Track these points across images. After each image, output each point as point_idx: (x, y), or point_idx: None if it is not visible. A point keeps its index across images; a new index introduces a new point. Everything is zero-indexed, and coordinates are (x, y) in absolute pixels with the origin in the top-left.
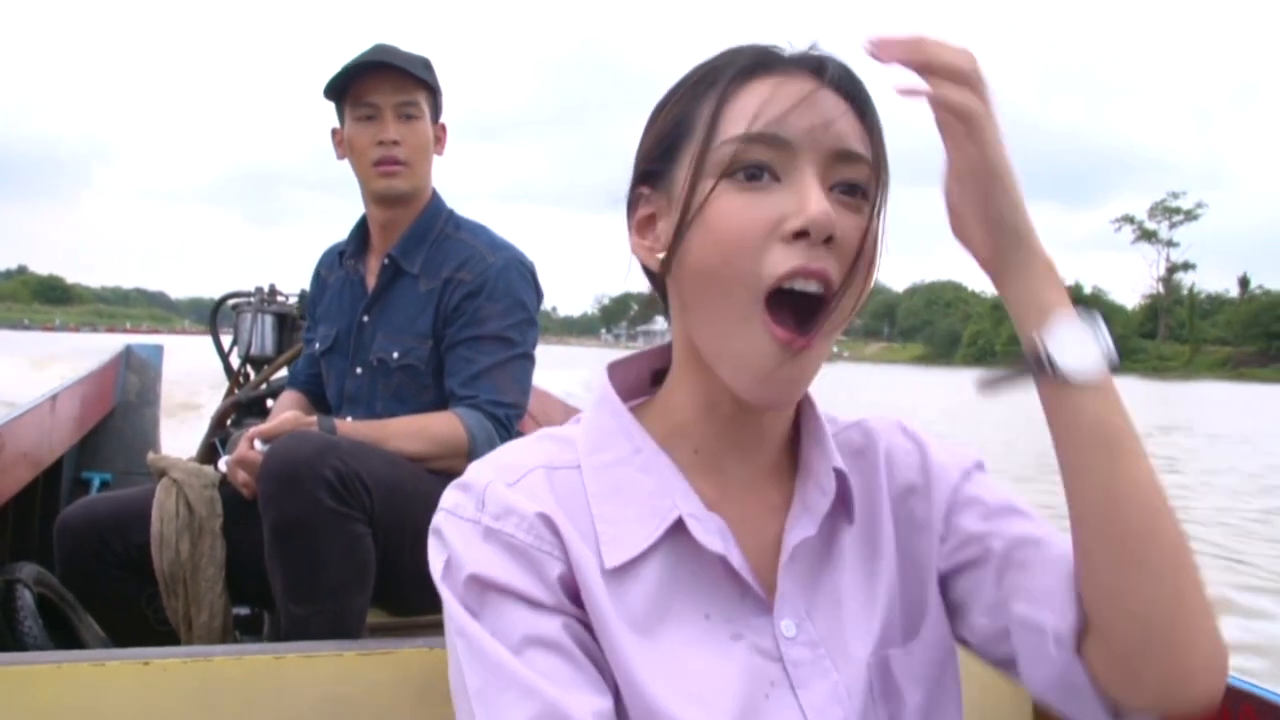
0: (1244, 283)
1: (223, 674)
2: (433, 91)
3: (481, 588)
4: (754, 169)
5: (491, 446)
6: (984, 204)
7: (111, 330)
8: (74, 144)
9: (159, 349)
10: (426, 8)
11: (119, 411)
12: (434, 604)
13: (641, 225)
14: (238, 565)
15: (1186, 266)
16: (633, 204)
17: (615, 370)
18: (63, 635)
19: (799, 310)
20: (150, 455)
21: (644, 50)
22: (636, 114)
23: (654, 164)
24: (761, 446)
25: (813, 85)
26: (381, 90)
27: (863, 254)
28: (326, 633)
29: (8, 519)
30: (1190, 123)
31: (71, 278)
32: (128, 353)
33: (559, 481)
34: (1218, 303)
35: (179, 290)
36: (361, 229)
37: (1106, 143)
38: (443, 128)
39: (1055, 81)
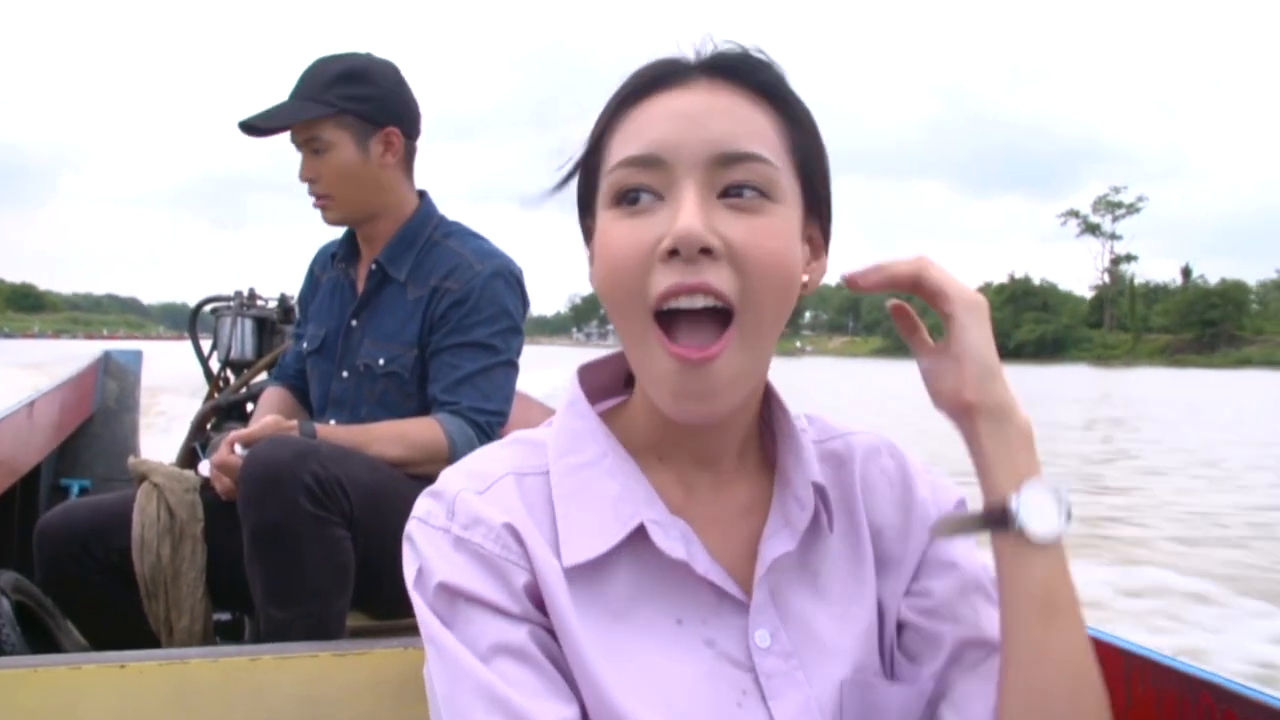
0: (1186, 273)
1: (199, 676)
2: (356, 105)
3: (451, 596)
4: (633, 193)
5: (472, 451)
6: (966, 386)
7: (90, 337)
8: (39, 150)
9: (138, 354)
10: (394, 7)
11: (98, 417)
12: (412, 608)
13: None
14: (219, 570)
15: (1129, 258)
16: (584, 232)
17: (586, 373)
18: (42, 643)
19: (718, 323)
20: (131, 460)
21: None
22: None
23: (581, 195)
24: (723, 449)
25: (694, 94)
26: (292, 128)
27: (765, 256)
28: (306, 636)
29: None
30: (1155, 114)
31: (42, 285)
32: (106, 358)
33: (527, 488)
34: (1162, 292)
35: (150, 296)
36: (351, 233)
37: (1074, 133)
38: (392, 133)
39: (1023, 73)
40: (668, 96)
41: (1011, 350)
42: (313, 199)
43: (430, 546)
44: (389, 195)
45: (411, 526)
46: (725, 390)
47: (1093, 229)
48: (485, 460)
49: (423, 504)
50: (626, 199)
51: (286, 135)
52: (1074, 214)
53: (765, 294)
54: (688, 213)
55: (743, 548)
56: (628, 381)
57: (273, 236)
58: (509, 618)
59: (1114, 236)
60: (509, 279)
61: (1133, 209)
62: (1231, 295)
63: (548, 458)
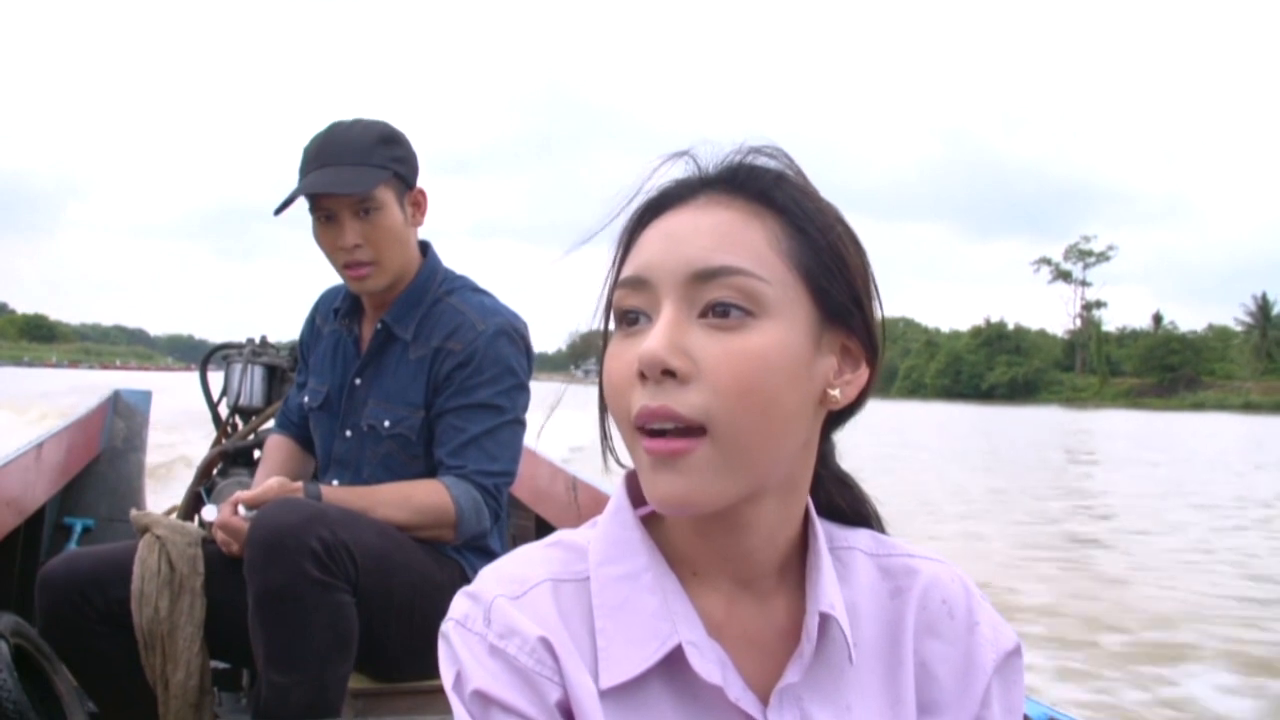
0: (1157, 319)
1: None
2: (398, 167)
3: (485, 703)
4: (631, 314)
5: (479, 515)
6: None
7: (106, 367)
8: (45, 178)
9: (147, 395)
10: (395, 44)
11: (104, 457)
12: (415, 671)
13: None
14: (219, 620)
15: (1099, 304)
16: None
17: (633, 479)
18: (38, 687)
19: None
20: (133, 513)
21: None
22: (605, 148)
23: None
24: (759, 569)
25: (686, 214)
26: (333, 194)
27: (733, 379)
28: (307, 701)
29: None
30: (1155, 157)
31: (51, 315)
32: (116, 398)
33: (565, 596)
34: (1135, 336)
35: (157, 327)
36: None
37: (1073, 175)
38: (421, 193)
39: (1023, 115)
40: (666, 218)
41: (984, 391)
42: (347, 268)
43: (466, 651)
44: (411, 256)
45: (448, 627)
46: (697, 490)
47: (1064, 275)
48: (523, 563)
49: (460, 605)
50: (626, 319)
51: (294, 168)
52: (1046, 261)
53: (738, 414)
54: (654, 334)
55: (778, 674)
56: None
57: (279, 269)
58: None
59: (1084, 283)
60: (512, 336)
61: (1103, 257)
62: (1190, 341)
63: (588, 563)
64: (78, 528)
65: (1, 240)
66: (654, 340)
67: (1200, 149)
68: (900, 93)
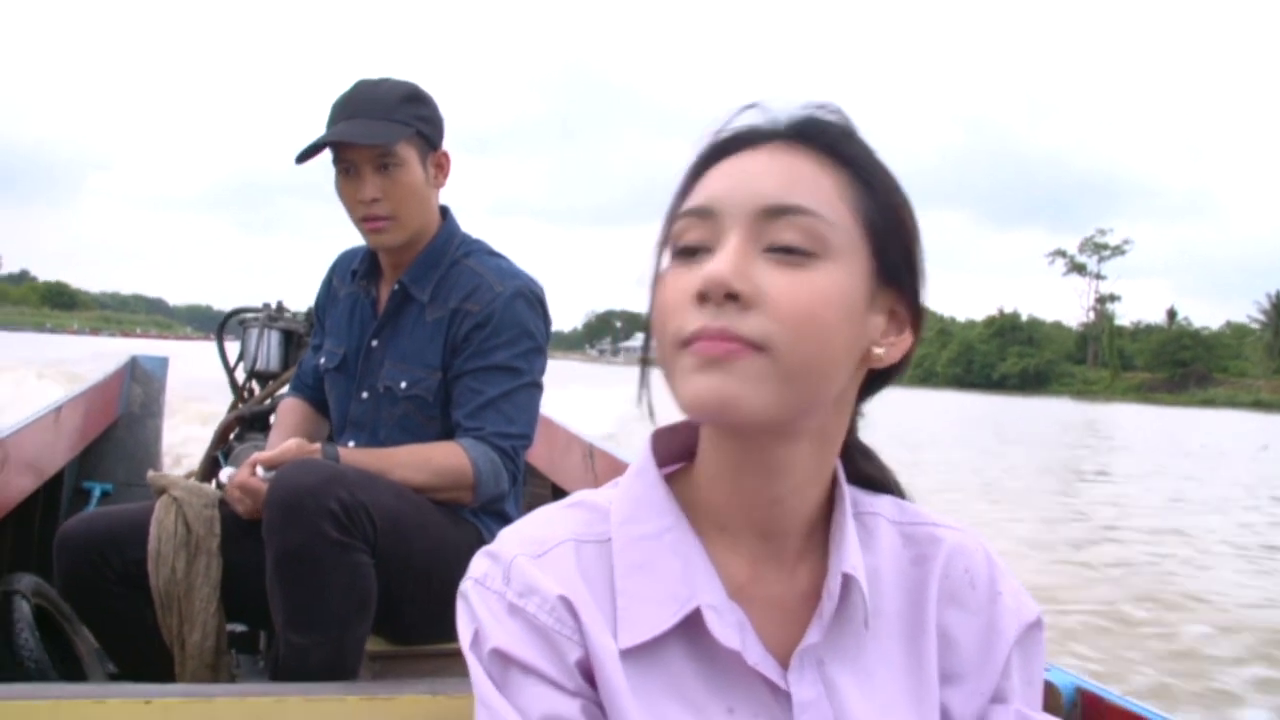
0: (1171, 314)
1: (224, 716)
2: (423, 126)
3: (505, 662)
4: (689, 249)
5: (497, 478)
6: None
7: (126, 335)
8: (67, 149)
9: (164, 361)
10: (419, 22)
11: (122, 422)
12: (433, 634)
13: None
14: (235, 583)
15: (1113, 298)
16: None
17: (660, 437)
18: (58, 647)
19: None
20: (150, 473)
21: (630, 66)
22: (624, 129)
23: (659, 248)
24: (786, 526)
25: (757, 156)
26: (355, 145)
27: (799, 308)
28: (325, 662)
29: (8, 529)
30: (1181, 152)
31: (72, 283)
32: (133, 364)
33: (585, 557)
34: (1149, 331)
35: (176, 297)
36: (372, 251)
37: (1096, 167)
38: (444, 156)
39: (1046, 104)
40: (736, 158)
41: (995, 382)
42: (365, 221)
43: (485, 610)
44: (431, 217)
45: (467, 586)
46: (741, 394)
47: (1079, 268)
48: (544, 523)
49: (479, 564)
50: (685, 253)
51: (325, 155)
52: (1060, 253)
53: (796, 342)
54: (720, 257)
55: (799, 638)
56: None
57: (298, 242)
58: (561, 690)
59: (1099, 276)
60: (530, 299)
61: (1118, 251)
62: (1202, 338)
63: (610, 524)
64: (96, 491)
65: (24, 209)
66: (721, 263)
67: (1227, 145)
68: (922, 79)
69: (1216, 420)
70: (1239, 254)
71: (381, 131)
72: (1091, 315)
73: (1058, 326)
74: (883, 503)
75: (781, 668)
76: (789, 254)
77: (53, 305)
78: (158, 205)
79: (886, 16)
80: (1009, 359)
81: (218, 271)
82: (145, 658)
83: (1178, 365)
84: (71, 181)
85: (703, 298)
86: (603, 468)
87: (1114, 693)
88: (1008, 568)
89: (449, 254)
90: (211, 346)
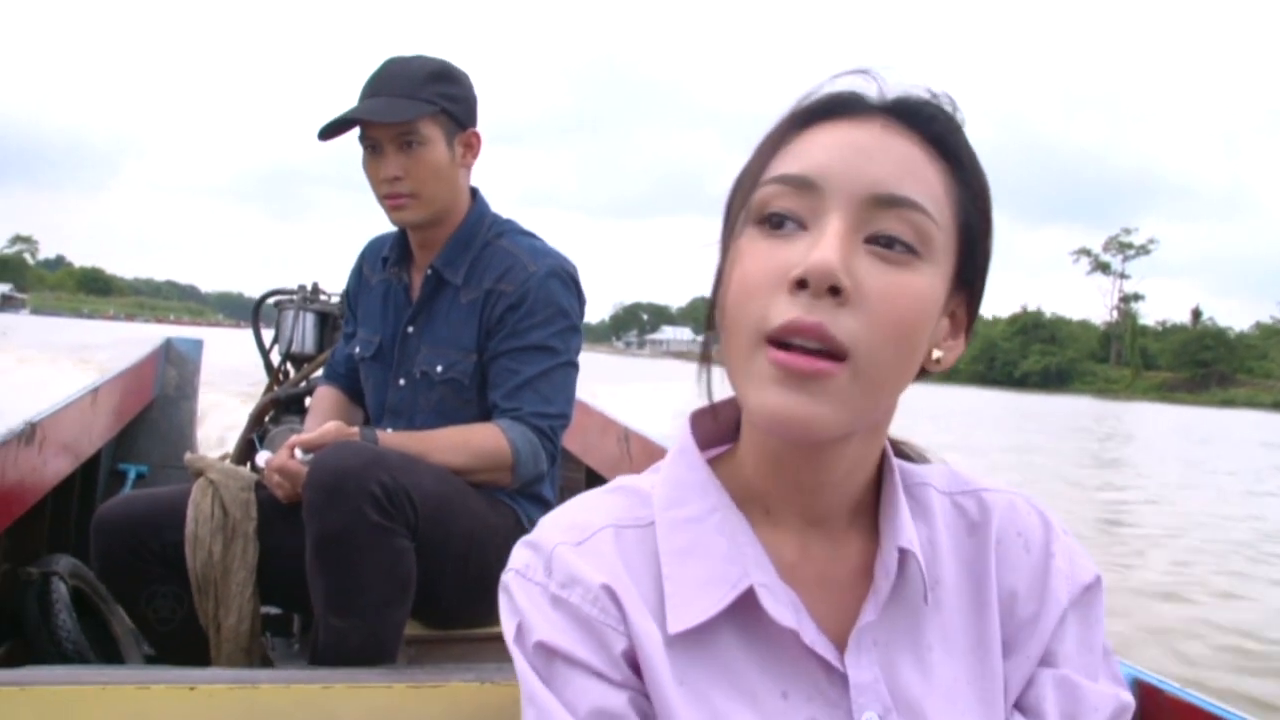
0: (1196, 314)
1: (268, 701)
2: (450, 104)
3: (549, 655)
4: (778, 217)
5: (535, 459)
6: None
7: (160, 321)
8: (101, 137)
9: (199, 343)
10: (450, 14)
11: (157, 404)
12: (472, 619)
13: None
14: (271, 567)
15: (1136, 297)
16: (722, 248)
17: (699, 419)
18: (94, 628)
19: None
20: (187, 455)
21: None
22: (652, 122)
23: (729, 210)
24: (833, 507)
25: (868, 129)
26: (376, 123)
27: (896, 313)
28: (364, 646)
29: (45, 510)
30: (1216, 148)
31: (107, 269)
32: (168, 346)
33: (627, 542)
34: (1173, 331)
35: (208, 284)
36: (403, 236)
37: (1130, 164)
38: (474, 135)
39: (1079, 101)
40: (841, 125)
41: (1017, 379)
42: (387, 198)
43: (528, 602)
44: (458, 197)
45: (508, 578)
46: (823, 416)
47: (1103, 267)
48: (584, 510)
49: (520, 555)
50: (771, 221)
51: (353, 133)
52: (1085, 252)
53: (884, 349)
54: (827, 244)
55: (853, 618)
56: (738, 429)
57: (330, 230)
58: (608, 682)
59: (1123, 275)
60: (564, 278)
61: (1143, 250)
62: (1225, 338)
63: (652, 508)
64: (131, 474)
65: (60, 195)
66: (829, 252)
67: (1264, 142)
68: (954, 74)
69: (1235, 420)
70: (1274, 254)
71: (403, 109)
72: (1115, 314)
73: (1083, 325)
74: (932, 472)
75: (837, 648)
76: (890, 249)
77: (88, 290)
78: (191, 192)
79: (920, 10)
80: (1031, 357)
81: (249, 259)
82: (180, 640)
83: (1199, 365)
84: (105, 168)
85: (799, 284)
86: (638, 451)
87: (1175, 685)
88: (1063, 527)
89: (481, 235)
90: (244, 333)
